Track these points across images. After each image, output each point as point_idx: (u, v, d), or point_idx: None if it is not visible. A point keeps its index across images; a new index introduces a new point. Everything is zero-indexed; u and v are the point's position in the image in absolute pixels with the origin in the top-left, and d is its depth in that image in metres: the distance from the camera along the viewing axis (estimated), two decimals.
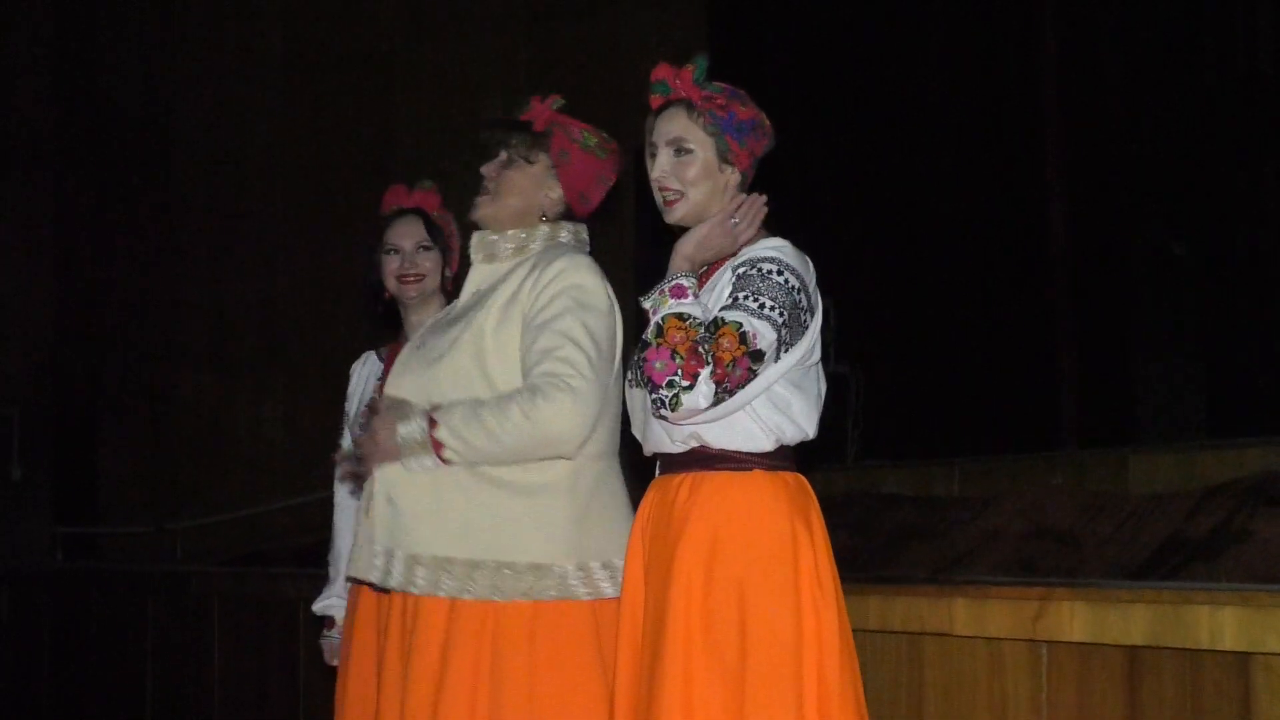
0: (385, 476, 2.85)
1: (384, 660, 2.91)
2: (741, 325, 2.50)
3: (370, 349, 3.76)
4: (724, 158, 2.66)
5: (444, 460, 2.79)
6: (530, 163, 2.95)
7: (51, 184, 10.99)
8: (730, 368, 2.49)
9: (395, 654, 2.88)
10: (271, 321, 10.54)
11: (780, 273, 2.55)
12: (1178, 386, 7.15)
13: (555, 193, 2.97)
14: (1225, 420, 6.74)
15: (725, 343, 2.49)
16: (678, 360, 2.50)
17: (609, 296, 2.89)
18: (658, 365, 2.51)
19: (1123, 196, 7.51)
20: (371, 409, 2.97)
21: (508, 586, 2.78)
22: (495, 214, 2.97)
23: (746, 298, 2.53)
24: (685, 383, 2.49)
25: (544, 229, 2.97)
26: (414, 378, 2.90)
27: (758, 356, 2.51)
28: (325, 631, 3.70)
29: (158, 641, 6.60)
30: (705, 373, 2.49)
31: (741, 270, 2.57)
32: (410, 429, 2.80)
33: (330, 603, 3.66)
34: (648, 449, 2.74)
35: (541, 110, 2.97)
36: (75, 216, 11.03)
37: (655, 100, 2.71)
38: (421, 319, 3.57)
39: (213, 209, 10.68)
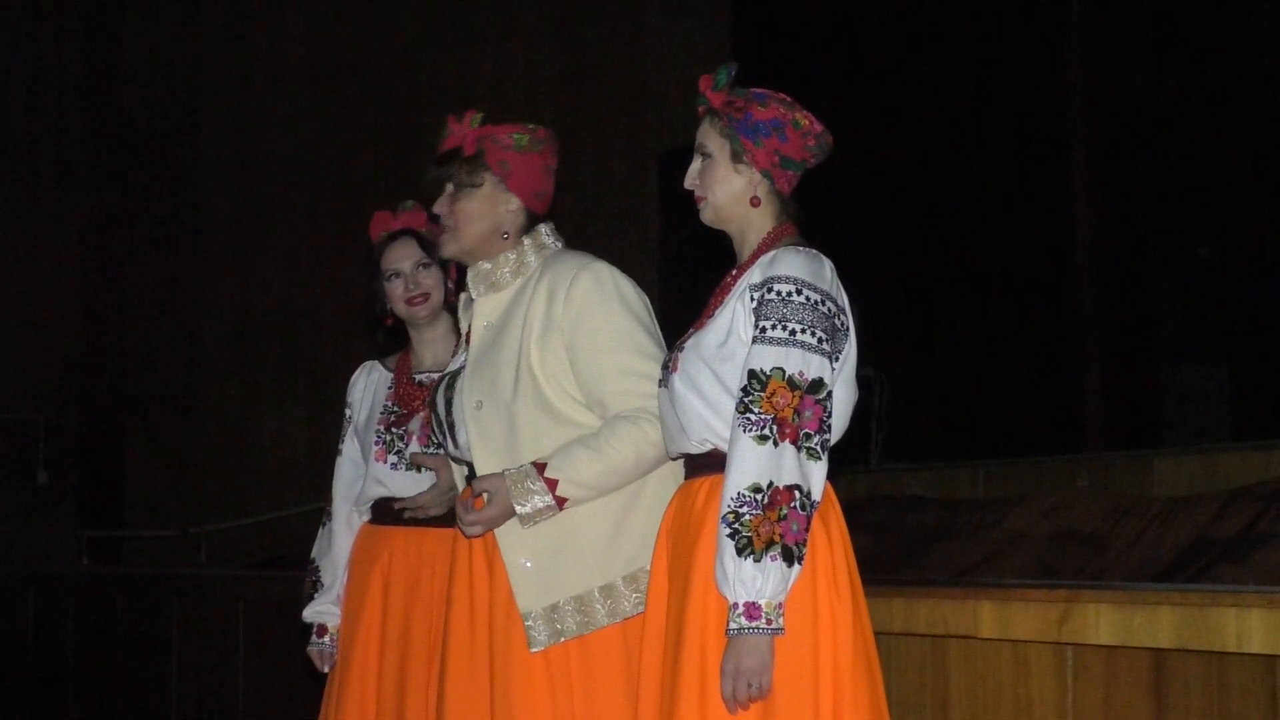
0: (510, 544, 2.84)
1: (445, 687, 2.92)
2: (783, 370, 2.46)
3: (370, 359, 3.76)
4: (737, 158, 2.67)
5: (563, 507, 2.81)
6: (477, 186, 2.96)
7: (78, 193, 11.05)
8: (795, 418, 2.44)
9: (463, 683, 2.89)
10: (295, 329, 10.58)
11: (799, 292, 2.51)
12: (1202, 388, 7.13)
13: (513, 204, 2.98)
14: (1250, 422, 6.72)
15: (779, 399, 2.45)
16: (774, 527, 2.41)
17: (638, 293, 2.92)
18: (794, 528, 2.42)
19: (1147, 199, 7.49)
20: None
21: (621, 606, 2.83)
22: (463, 246, 2.99)
23: (774, 327, 2.49)
24: (793, 511, 2.42)
25: (527, 243, 2.99)
26: (493, 445, 2.88)
27: (816, 386, 2.47)
28: (315, 639, 3.66)
29: (183, 645, 6.62)
30: (781, 450, 2.42)
31: (759, 295, 2.54)
32: (529, 497, 2.78)
33: (324, 609, 3.64)
34: (671, 450, 2.74)
35: (465, 132, 2.98)
36: (101, 225, 11.09)
37: (700, 111, 2.74)
38: (435, 335, 3.61)
39: (237, 218, 10.73)
